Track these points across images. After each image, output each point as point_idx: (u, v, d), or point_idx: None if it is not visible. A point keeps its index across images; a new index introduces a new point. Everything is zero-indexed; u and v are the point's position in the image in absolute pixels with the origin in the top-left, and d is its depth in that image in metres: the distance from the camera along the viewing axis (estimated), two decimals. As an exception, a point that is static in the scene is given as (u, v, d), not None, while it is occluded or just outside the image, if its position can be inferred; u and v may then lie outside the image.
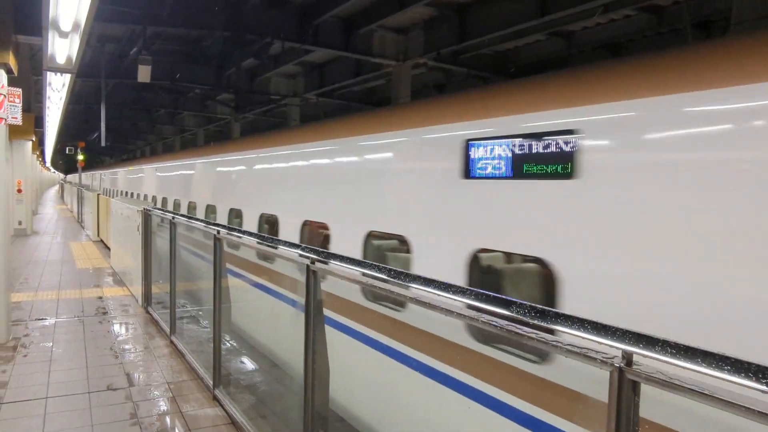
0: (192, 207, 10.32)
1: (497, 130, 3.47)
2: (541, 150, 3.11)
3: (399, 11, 9.36)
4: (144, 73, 10.72)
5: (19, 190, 16.27)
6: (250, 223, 7.31)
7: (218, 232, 4.41)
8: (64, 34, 5.65)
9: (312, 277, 2.96)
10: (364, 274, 2.58)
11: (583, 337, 1.58)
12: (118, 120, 24.21)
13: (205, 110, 20.72)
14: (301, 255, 3.08)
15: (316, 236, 5.70)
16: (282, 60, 13.41)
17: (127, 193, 18.80)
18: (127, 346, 5.98)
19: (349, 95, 16.72)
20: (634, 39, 9.62)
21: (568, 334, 1.62)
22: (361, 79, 13.85)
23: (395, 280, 2.36)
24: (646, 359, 1.44)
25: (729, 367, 1.27)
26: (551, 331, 1.68)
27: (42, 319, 7.00)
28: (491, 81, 11.89)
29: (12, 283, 7.75)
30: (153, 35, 12.32)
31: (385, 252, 4.70)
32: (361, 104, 16.74)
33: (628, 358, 1.46)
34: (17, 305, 7.51)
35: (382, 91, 15.72)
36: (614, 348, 1.49)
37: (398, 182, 4.39)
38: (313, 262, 2.95)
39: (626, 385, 1.46)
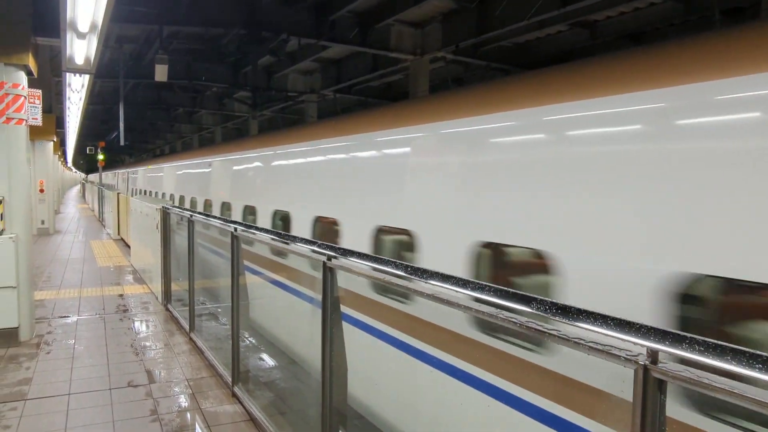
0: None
1: None
2: None
3: (416, 5, 9.32)
4: (161, 73, 10.86)
5: (42, 190, 16.64)
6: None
7: (235, 229, 4.45)
8: (81, 35, 5.74)
9: (328, 273, 2.96)
10: (381, 271, 2.57)
11: (606, 334, 1.55)
12: (137, 119, 24.59)
13: (223, 108, 20.92)
14: (317, 252, 3.09)
15: None
16: (298, 57, 13.47)
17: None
18: (147, 343, 6.07)
19: (367, 91, 16.72)
20: (660, 28, 9.42)
21: (590, 331, 1.59)
22: (379, 75, 13.83)
23: (413, 277, 2.35)
24: (673, 357, 1.40)
25: (760, 365, 1.23)
26: (574, 329, 1.65)
27: (64, 316, 7.15)
28: (512, 74, 11.77)
29: (35, 282, 7.94)
30: (170, 35, 12.46)
31: None
32: (378, 100, 16.73)
33: (653, 355, 1.43)
34: (40, 303, 7.69)
35: (400, 86, 15.69)
36: (638, 345, 1.46)
37: None
38: (329, 259, 2.95)
39: (651, 384, 1.42)
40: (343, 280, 3.03)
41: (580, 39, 10.49)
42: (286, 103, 18.38)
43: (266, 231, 4.17)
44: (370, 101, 17.00)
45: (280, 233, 3.84)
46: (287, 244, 3.69)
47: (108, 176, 34.67)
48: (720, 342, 1.34)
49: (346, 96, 16.64)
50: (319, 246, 3.09)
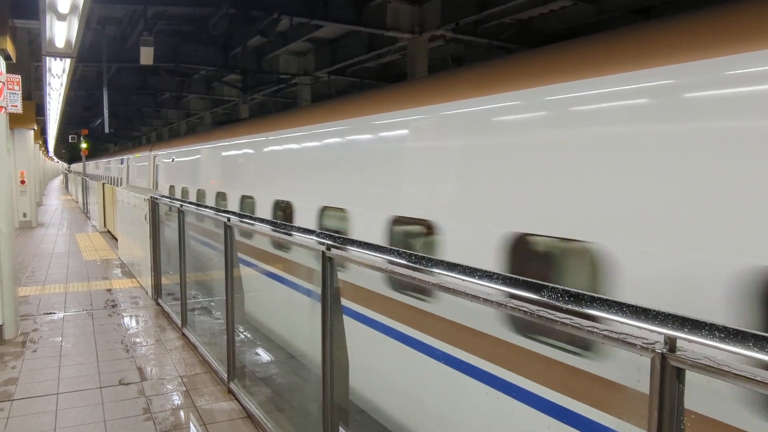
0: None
1: None
2: None
3: (414, -20, 9.23)
4: (146, 56, 10.76)
5: (23, 181, 16.57)
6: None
7: (229, 219, 4.43)
8: (62, 17, 5.68)
9: (328, 264, 2.95)
10: (383, 260, 2.57)
11: (622, 322, 1.55)
12: (121, 105, 24.44)
13: (212, 92, 20.78)
14: (316, 241, 3.08)
15: None
16: (290, 37, 13.36)
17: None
18: (137, 340, 6.08)
19: (363, 72, 16.61)
20: (670, 1, 9.36)
21: (605, 319, 1.59)
22: (375, 55, 13.73)
23: (417, 266, 2.34)
24: (692, 344, 1.40)
25: (784, 351, 1.23)
26: (587, 317, 1.65)
27: (50, 313, 7.15)
28: (514, 52, 11.69)
29: (19, 278, 7.93)
30: (155, 15, 12.34)
31: None
32: (375, 81, 16.64)
33: (671, 343, 1.43)
34: (25, 300, 7.69)
35: (398, 66, 15.59)
36: (656, 333, 1.46)
37: None
38: (328, 249, 2.94)
39: (669, 373, 1.42)
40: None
41: (586, 14, 10.40)
42: (278, 86, 18.26)
43: (262, 220, 4.16)
44: (366, 83, 16.90)
45: (276, 222, 3.83)
46: (286, 234, 3.67)
47: (101, 166, 29.22)
48: (741, 328, 1.33)
49: (341, 78, 16.54)
50: (318, 235, 3.08)
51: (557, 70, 3.23)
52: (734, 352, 1.30)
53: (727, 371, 1.30)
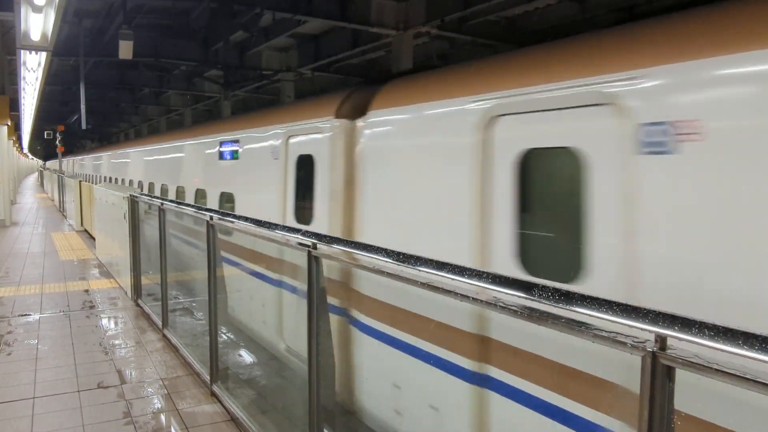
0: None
1: None
2: None
3: (399, -25, 9.24)
4: (125, 50, 10.61)
5: (-4, 179, 16.25)
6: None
7: (211, 218, 4.39)
8: (38, 9, 5.58)
9: (314, 262, 2.93)
10: (370, 258, 2.56)
11: (612, 321, 1.56)
12: (99, 101, 24.12)
13: (192, 88, 20.61)
14: (301, 239, 3.06)
15: None
16: (273, 32, 13.29)
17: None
18: (117, 342, 6.00)
19: (347, 68, 16.59)
20: (654, 1, 9.49)
21: (595, 318, 1.60)
22: (359, 51, 13.72)
23: (405, 264, 2.34)
24: (682, 342, 1.41)
25: (774, 349, 1.24)
26: (578, 315, 1.66)
27: (25, 314, 7.02)
28: (499, 50, 11.75)
29: (-8, 278, 7.78)
30: (134, 8, 12.18)
31: None
32: (359, 77, 16.62)
33: (661, 342, 1.44)
34: (-1, 301, 7.55)
35: (382, 63, 15.60)
36: (646, 331, 1.47)
37: None
38: (314, 247, 2.93)
39: (660, 371, 1.44)
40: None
41: (570, 13, 10.50)
42: (260, 83, 18.16)
43: (245, 219, 4.12)
44: (350, 79, 16.88)
45: (261, 221, 3.79)
46: (271, 232, 3.65)
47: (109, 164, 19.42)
48: (731, 326, 1.35)
49: (325, 74, 16.50)
50: (304, 234, 3.06)
51: None
52: (724, 350, 1.32)
53: (717, 369, 1.32)
